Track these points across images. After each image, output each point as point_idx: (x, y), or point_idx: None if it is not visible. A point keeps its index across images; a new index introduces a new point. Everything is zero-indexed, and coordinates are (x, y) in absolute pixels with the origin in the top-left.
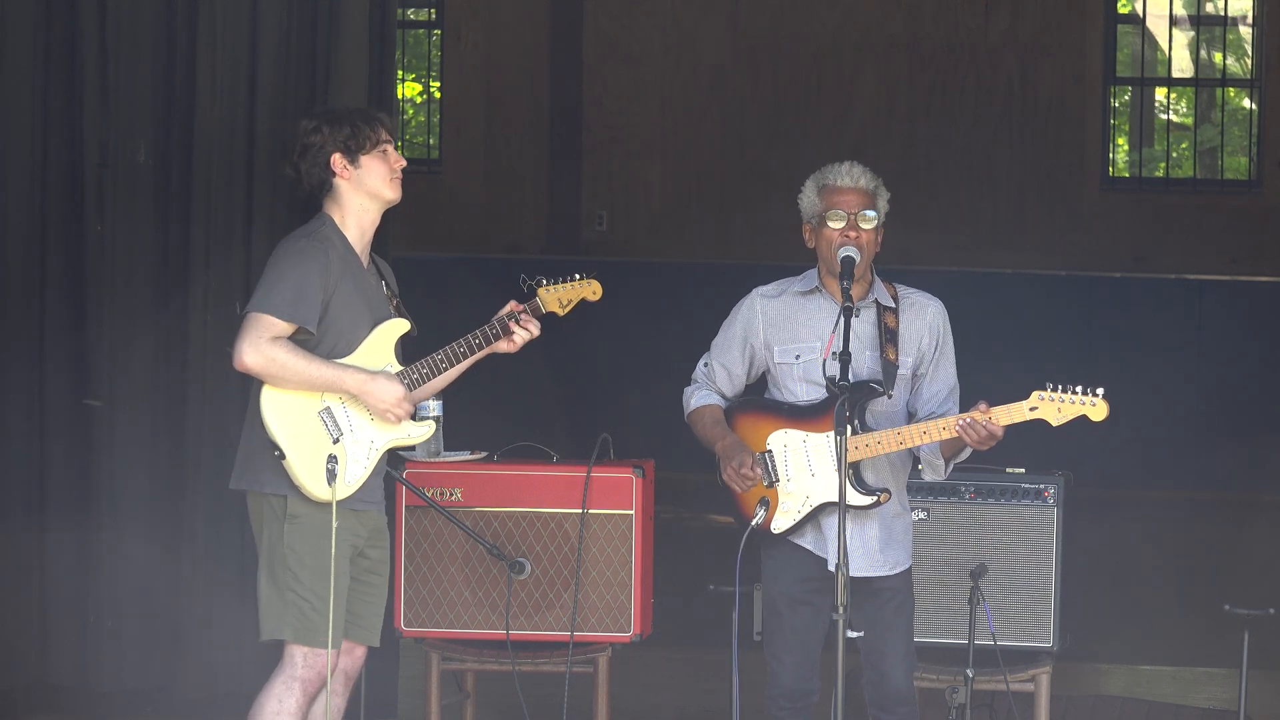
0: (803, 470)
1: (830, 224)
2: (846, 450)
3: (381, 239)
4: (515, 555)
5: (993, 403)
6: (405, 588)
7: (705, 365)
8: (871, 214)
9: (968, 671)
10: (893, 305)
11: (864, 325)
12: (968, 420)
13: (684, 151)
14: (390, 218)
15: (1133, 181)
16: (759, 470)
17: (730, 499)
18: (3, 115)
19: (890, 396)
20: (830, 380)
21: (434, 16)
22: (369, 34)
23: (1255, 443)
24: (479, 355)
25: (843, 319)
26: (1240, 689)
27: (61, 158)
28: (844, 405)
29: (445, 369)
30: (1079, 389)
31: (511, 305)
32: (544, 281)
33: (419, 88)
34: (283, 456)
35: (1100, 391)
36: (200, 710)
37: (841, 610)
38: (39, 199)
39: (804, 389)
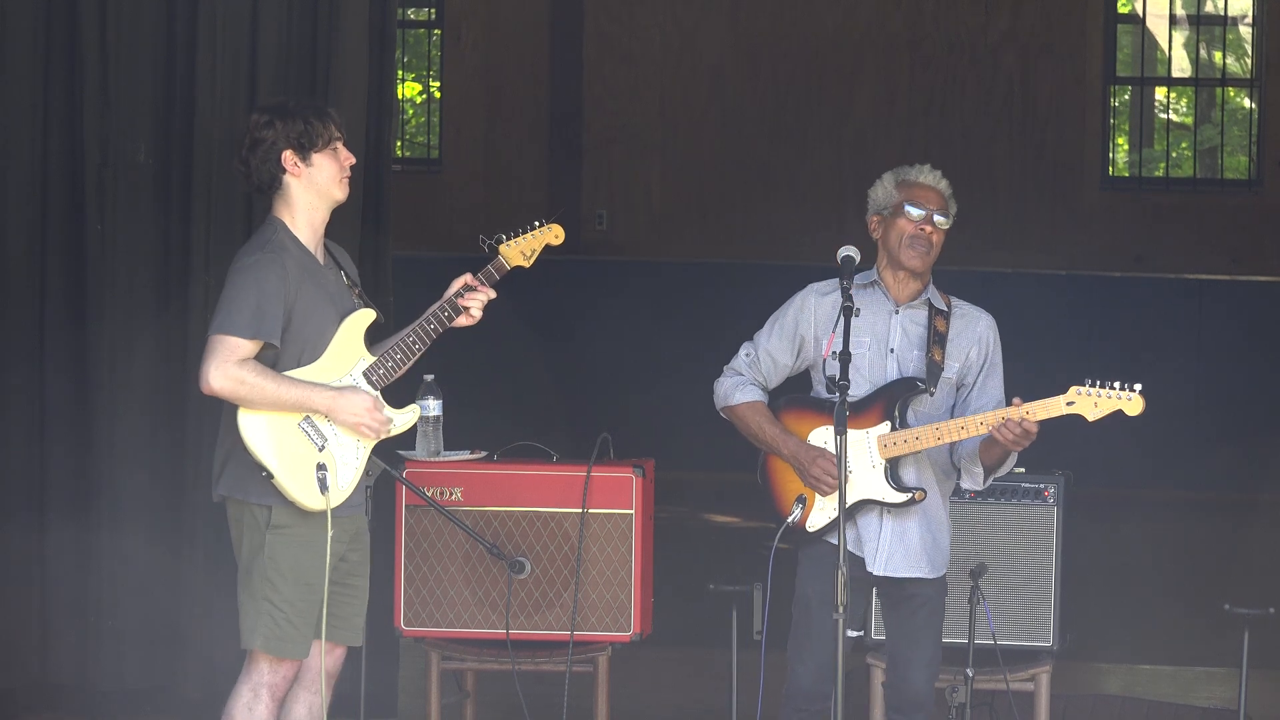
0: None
1: (909, 213)
2: (846, 450)
3: (381, 237)
4: (515, 555)
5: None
6: (405, 587)
7: (748, 355)
8: (944, 219)
9: (968, 671)
10: (944, 309)
11: (913, 325)
12: (1003, 419)
13: (684, 151)
14: (390, 218)
15: (1133, 181)
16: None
17: (766, 496)
18: (3, 115)
19: (932, 394)
20: (830, 380)
21: (434, 16)
22: (369, 34)
23: (1255, 443)
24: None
25: (842, 318)
26: (1240, 689)
27: (61, 158)
28: (844, 404)
29: (419, 350)
30: (1116, 384)
31: (466, 278)
32: (504, 237)
33: (419, 87)
34: (271, 476)
35: (1138, 387)
36: (200, 710)
37: (841, 610)
38: (39, 199)
39: (851, 385)
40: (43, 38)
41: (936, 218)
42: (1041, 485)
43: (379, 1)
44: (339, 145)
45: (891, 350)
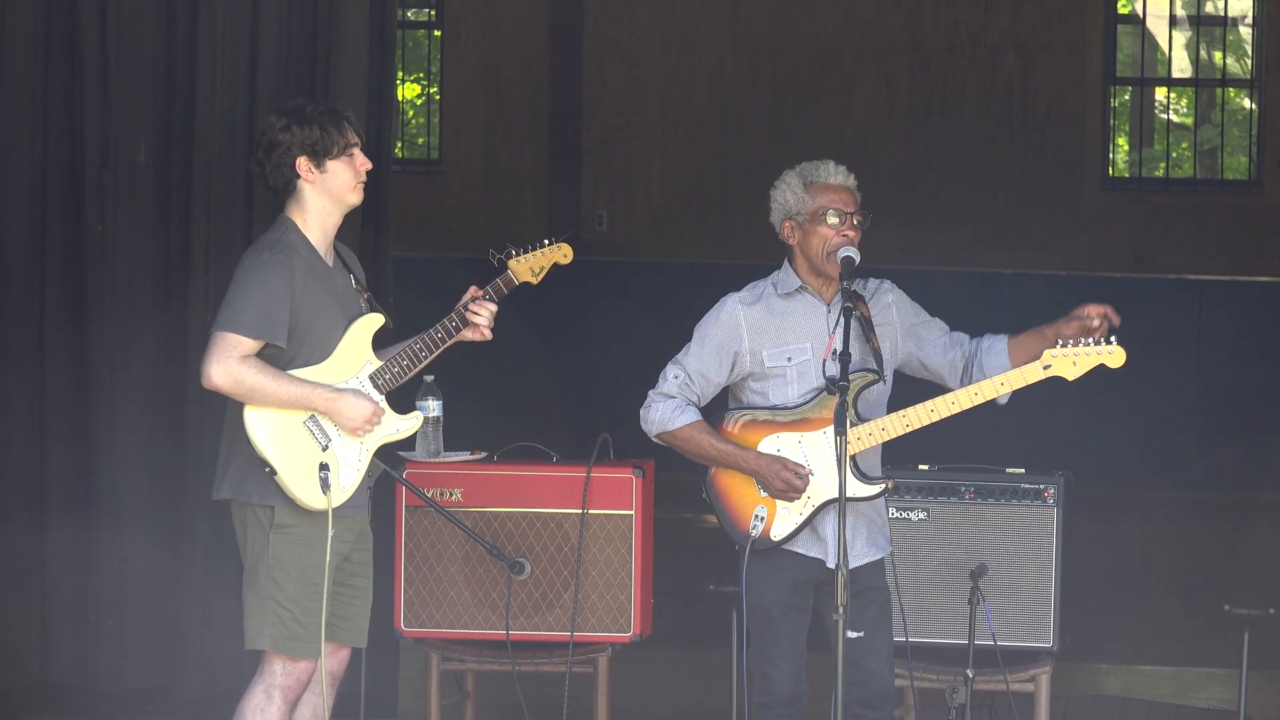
0: None
1: (829, 222)
2: (846, 448)
3: (381, 238)
4: (515, 555)
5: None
6: (405, 588)
7: (677, 377)
8: (861, 217)
9: (968, 671)
10: (863, 295)
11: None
12: (976, 394)
13: (684, 151)
14: (390, 218)
15: (1133, 181)
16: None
17: (722, 514)
18: (3, 115)
19: (885, 381)
20: (830, 380)
21: (434, 17)
22: (369, 34)
23: (1255, 443)
24: (450, 343)
25: (843, 319)
26: (1240, 689)
27: (61, 158)
28: (844, 405)
29: (425, 358)
30: (1090, 340)
31: (472, 291)
32: (514, 252)
33: (419, 88)
34: (274, 473)
35: (1114, 339)
36: (200, 709)
37: (841, 610)
38: (39, 199)
39: (797, 391)
40: (43, 38)
41: (856, 220)
42: (1041, 485)
43: (379, 2)
44: (355, 151)
45: (835, 349)
